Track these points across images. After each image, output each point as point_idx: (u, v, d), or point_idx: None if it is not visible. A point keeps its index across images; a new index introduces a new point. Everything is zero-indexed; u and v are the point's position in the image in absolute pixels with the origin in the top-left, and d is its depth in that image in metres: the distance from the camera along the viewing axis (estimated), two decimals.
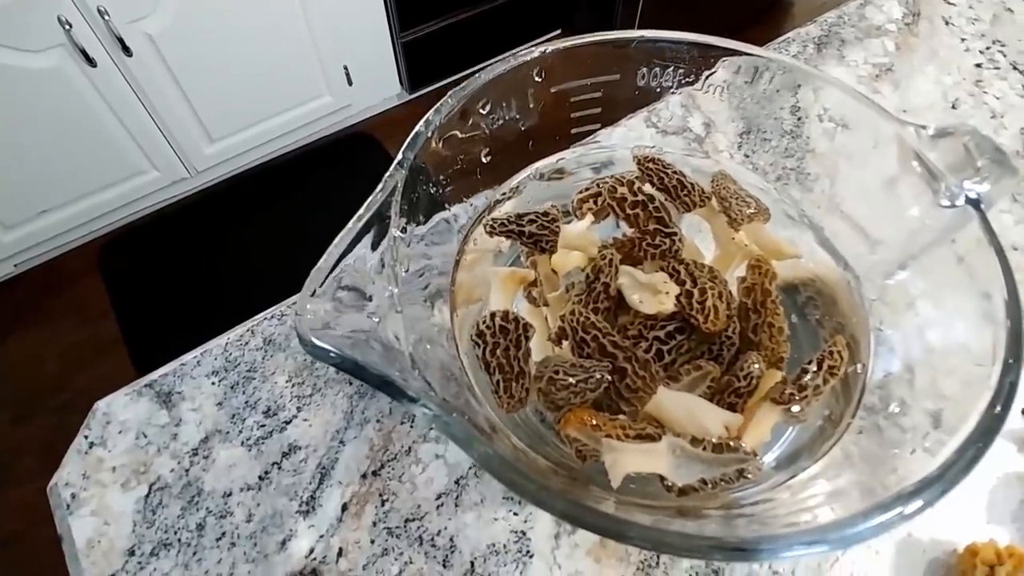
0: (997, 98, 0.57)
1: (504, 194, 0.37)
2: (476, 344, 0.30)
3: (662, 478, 0.27)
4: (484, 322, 0.30)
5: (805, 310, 0.36)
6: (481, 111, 0.33)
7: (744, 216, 0.34)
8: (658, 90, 0.37)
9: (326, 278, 0.25)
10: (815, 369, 0.29)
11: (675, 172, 0.36)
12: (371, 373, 0.24)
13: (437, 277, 0.33)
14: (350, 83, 1.60)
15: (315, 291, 0.25)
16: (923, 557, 0.34)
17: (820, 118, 0.48)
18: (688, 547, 0.20)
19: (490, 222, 0.34)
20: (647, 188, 0.35)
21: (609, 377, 0.29)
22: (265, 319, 0.42)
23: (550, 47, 0.33)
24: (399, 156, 0.28)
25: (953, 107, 0.56)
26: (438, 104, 0.30)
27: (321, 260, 0.26)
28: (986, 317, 0.28)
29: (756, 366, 0.30)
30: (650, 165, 0.36)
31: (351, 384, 0.39)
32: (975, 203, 0.28)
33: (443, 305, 0.32)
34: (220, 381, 0.39)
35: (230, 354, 0.40)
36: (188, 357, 0.40)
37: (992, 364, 0.27)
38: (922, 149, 0.29)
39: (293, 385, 0.39)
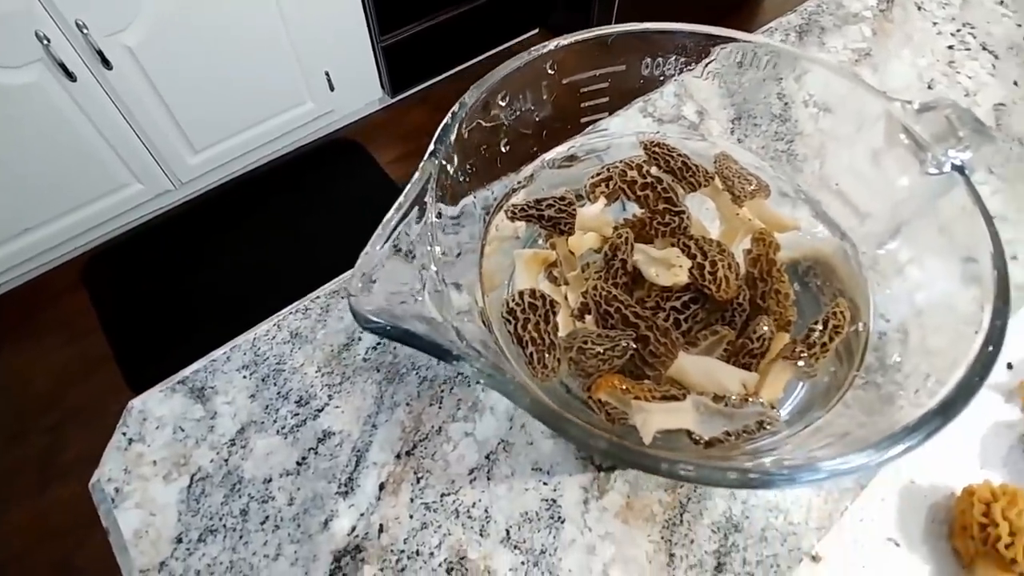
0: (969, 77, 0.61)
1: (520, 182, 0.39)
2: (507, 321, 0.32)
3: (689, 433, 0.29)
4: (514, 300, 0.32)
5: (806, 278, 0.38)
6: (500, 103, 0.35)
7: (746, 193, 0.37)
8: (661, 78, 0.39)
9: (375, 264, 0.27)
10: (821, 328, 0.32)
11: (680, 155, 0.38)
12: (424, 340, 0.25)
13: (461, 260, 0.35)
14: (332, 89, 1.60)
15: (364, 273, 0.27)
16: (924, 502, 0.37)
17: (805, 103, 0.51)
18: (719, 479, 0.22)
19: (511, 208, 0.36)
20: (654, 171, 0.38)
21: (634, 344, 0.31)
22: (290, 314, 0.43)
23: (563, 41, 0.35)
24: (431, 147, 0.30)
25: (929, 87, 0.60)
26: (463, 97, 0.32)
27: (368, 245, 0.27)
28: (969, 279, 0.31)
29: (767, 328, 0.32)
30: (656, 149, 0.38)
31: (379, 371, 0.41)
32: (960, 169, 0.30)
33: (474, 287, 0.34)
34: (251, 375, 0.41)
35: (258, 349, 0.42)
36: (218, 353, 0.42)
37: (977, 323, 0.30)
38: (909, 122, 0.32)
39: (323, 375, 0.41)
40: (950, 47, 0.63)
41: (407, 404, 0.40)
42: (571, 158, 0.41)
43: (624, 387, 0.30)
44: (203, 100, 1.41)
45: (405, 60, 1.69)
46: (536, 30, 1.94)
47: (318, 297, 0.44)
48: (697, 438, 0.29)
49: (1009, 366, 0.42)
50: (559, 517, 0.36)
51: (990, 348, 0.25)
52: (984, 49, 0.63)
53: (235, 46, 1.37)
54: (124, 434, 0.38)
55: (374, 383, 0.40)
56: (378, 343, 0.42)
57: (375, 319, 0.25)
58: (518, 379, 0.30)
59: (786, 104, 0.53)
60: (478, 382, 0.39)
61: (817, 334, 0.32)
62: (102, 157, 1.36)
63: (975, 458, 0.39)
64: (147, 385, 0.40)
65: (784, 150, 0.52)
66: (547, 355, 0.31)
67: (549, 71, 0.36)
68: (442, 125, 0.31)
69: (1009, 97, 0.60)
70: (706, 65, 0.39)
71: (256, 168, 1.66)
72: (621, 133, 0.45)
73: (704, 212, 0.40)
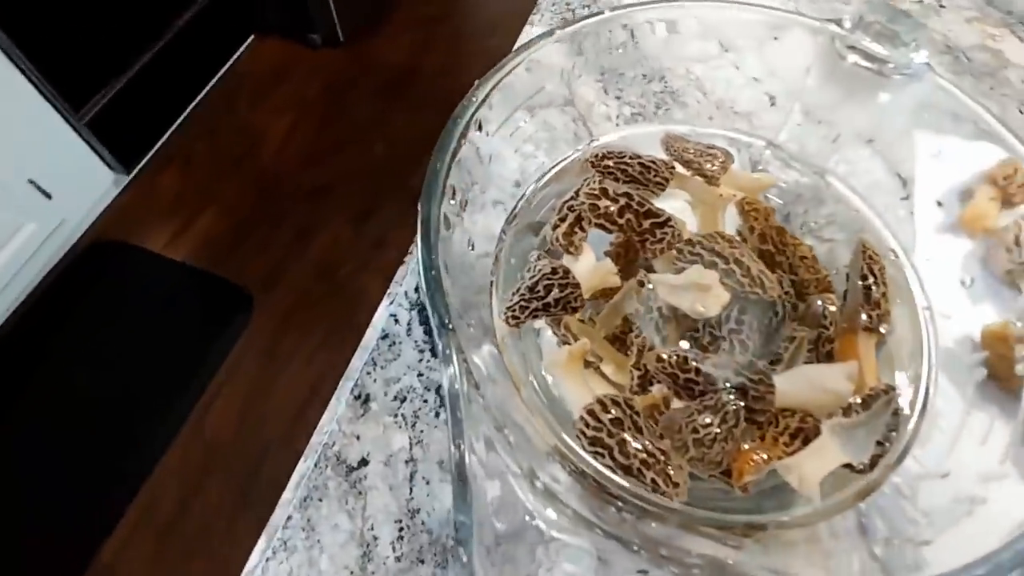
0: None
1: (491, 273, 0.31)
2: (599, 455, 0.25)
3: (850, 465, 0.26)
4: (588, 427, 0.25)
5: (801, 228, 0.36)
6: (451, 202, 0.26)
7: (717, 169, 0.33)
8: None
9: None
10: (872, 281, 0.30)
11: (632, 157, 0.32)
12: None
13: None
14: (49, 197, 1.27)
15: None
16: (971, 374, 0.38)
17: (651, 29, 0.47)
18: None
19: (508, 314, 0.28)
20: (618, 187, 0.32)
21: (741, 402, 0.26)
22: (267, 560, 0.32)
23: (480, 93, 0.27)
24: (441, 351, 0.21)
25: None
26: (421, 257, 0.23)
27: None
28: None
29: (830, 306, 0.30)
30: (607, 162, 0.32)
31: (423, 563, 0.32)
32: (926, 64, 0.29)
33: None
34: None
35: None
36: None
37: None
38: (856, 41, 0.30)
39: None
40: None
41: None
42: (519, 212, 0.34)
43: (764, 458, 0.25)
44: None
45: (121, 127, 1.39)
46: (251, 38, 1.70)
47: (289, 519, 0.33)
48: (860, 467, 0.26)
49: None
50: None
51: None
52: None
53: None
54: None
55: None
56: (401, 532, 0.33)
57: None
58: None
59: (636, 42, 0.49)
60: None
61: (873, 289, 0.30)
62: None
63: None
64: None
65: (663, 90, 0.49)
66: (669, 470, 0.25)
67: (476, 132, 0.28)
68: (427, 290, 0.22)
69: None
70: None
71: (10, 320, 1.29)
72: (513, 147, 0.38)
73: (666, 202, 0.36)
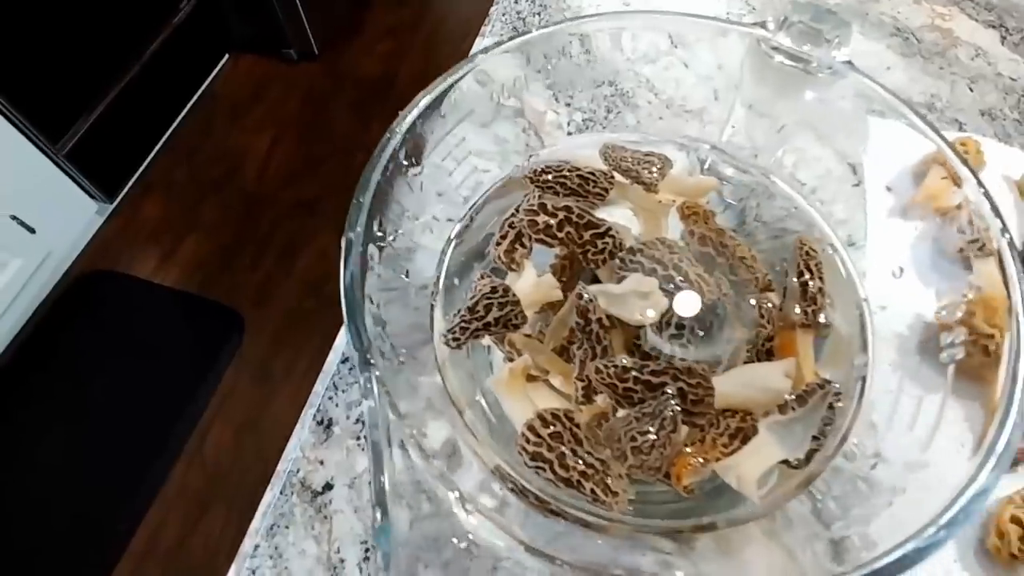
0: None
1: (432, 292, 0.31)
2: (540, 469, 0.26)
3: (786, 461, 0.26)
4: (529, 442, 0.26)
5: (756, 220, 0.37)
6: (379, 232, 0.26)
7: (655, 176, 0.33)
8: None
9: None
10: (808, 276, 0.30)
11: (571, 169, 0.33)
12: None
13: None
14: (32, 231, 1.27)
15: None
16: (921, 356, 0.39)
17: (597, 34, 0.48)
18: None
19: (448, 336, 0.29)
20: (557, 202, 0.32)
21: (678, 407, 0.27)
22: None
23: (403, 125, 0.27)
24: (348, 341, 0.21)
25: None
26: (348, 263, 0.23)
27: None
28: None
29: (767, 304, 0.30)
30: (545, 177, 0.33)
31: None
32: (848, 63, 0.30)
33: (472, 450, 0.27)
34: None
35: None
36: None
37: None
38: (780, 43, 0.30)
39: None
40: None
41: None
42: (462, 231, 0.34)
43: (702, 460, 0.26)
44: None
45: (101, 156, 1.39)
46: (225, 57, 1.70)
47: (257, 547, 0.34)
48: (795, 462, 0.26)
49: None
50: None
51: None
52: None
53: None
54: None
55: None
56: (367, 553, 0.33)
57: None
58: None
59: (587, 51, 0.50)
60: None
61: (809, 284, 0.30)
62: None
63: None
64: None
65: (614, 94, 0.49)
66: (609, 479, 0.25)
67: (404, 162, 0.28)
68: (348, 331, 0.22)
69: None
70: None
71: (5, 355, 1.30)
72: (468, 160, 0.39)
73: (611, 211, 0.36)
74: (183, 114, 1.60)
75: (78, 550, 1.14)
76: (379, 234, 0.25)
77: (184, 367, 1.34)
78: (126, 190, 1.50)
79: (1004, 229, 0.28)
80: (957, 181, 0.36)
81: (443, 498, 0.21)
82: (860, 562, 0.17)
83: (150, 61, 1.45)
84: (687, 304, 0.29)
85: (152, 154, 1.55)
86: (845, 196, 0.41)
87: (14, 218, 1.23)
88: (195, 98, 1.63)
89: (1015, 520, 0.33)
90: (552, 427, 0.26)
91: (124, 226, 1.49)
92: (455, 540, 0.20)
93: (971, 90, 0.52)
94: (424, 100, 0.28)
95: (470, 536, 0.20)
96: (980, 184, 0.30)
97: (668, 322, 0.30)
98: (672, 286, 0.30)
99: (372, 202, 0.24)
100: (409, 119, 0.27)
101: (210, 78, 1.67)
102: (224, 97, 1.68)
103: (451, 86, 0.29)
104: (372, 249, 0.24)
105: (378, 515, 0.18)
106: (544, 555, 0.20)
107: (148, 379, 1.31)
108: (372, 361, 0.20)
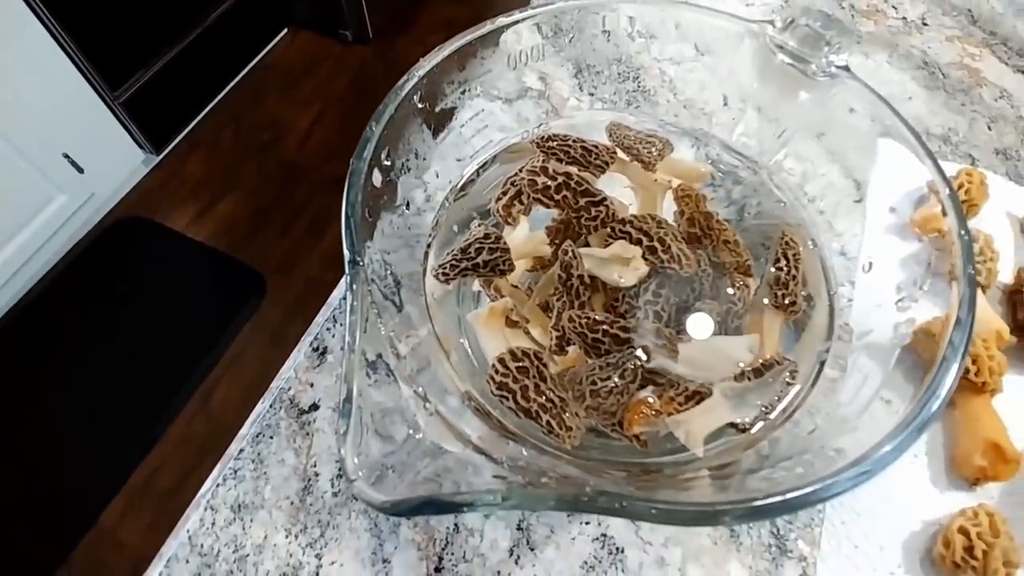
0: None
1: (429, 235, 0.34)
2: (504, 398, 0.28)
3: (734, 424, 0.28)
4: (498, 372, 0.28)
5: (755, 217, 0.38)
6: (386, 162, 0.29)
7: (654, 156, 0.35)
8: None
9: (349, 423, 0.21)
10: (784, 263, 0.32)
11: (576, 140, 0.35)
12: (447, 502, 0.21)
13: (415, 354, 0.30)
14: (80, 171, 1.34)
15: (349, 440, 0.21)
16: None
17: (630, 36, 0.50)
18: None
19: (438, 271, 0.31)
20: (559, 166, 0.35)
21: (640, 361, 0.29)
22: (217, 486, 0.35)
23: (422, 69, 0.30)
24: (347, 256, 0.24)
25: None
26: (349, 187, 0.26)
27: (339, 420, 0.21)
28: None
29: (739, 284, 0.32)
30: (551, 144, 0.35)
31: (356, 500, 0.35)
32: (844, 68, 0.31)
33: (448, 378, 0.29)
34: None
35: (201, 546, 0.33)
36: (153, 574, 0.33)
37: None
38: (784, 42, 0.32)
39: (297, 537, 0.34)
40: None
41: (408, 520, 0.34)
42: (466, 184, 0.36)
43: (654, 411, 0.28)
44: None
45: (154, 109, 1.46)
46: (284, 31, 1.77)
47: (242, 451, 0.36)
48: (743, 426, 0.28)
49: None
50: (617, 548, 0.34)
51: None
52: None
53: None
54: None
55: (359, 515, 0.34)
56: (340, 471, 0.35)
57: (397, 498, 0.20)
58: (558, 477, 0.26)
59: (615, 45, 0.52)
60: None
61: (784, 270, 0.32)
62: None
63: None
64: None
65: (635, 88, 0.51)
66: (565, 415, 0.27)
67: (419, 104, 0.31)
68: (345, 229, 0.24)
69: None
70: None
71: (36, 287, 1.36)
72: (480, 129, 0.41)
73: (613, 186, 0.38)
74: (237, 79, 1.67)
75: (79, 484, 1.19)
76: (387, 163, 0.28)
77: (203, 320, 1.38)
78: (173, 145, 1.57)
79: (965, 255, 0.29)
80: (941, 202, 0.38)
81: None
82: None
83: (213, 24, 1.52)
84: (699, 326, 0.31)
85: (202, 114, 1.61)
86: (846, 210, 0.42)
87: (66, 156, 1.30)
88: (250, 66, 1.70)
89: (962, 531, 0.34)
90: (521, 362, 0.28)
91: (166, 179, 1.55)
92: (410, 431, 0.22)
93: (989, 128, 0.53)
94: (446, 51, 0.30)
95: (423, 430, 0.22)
96: (953, 198, 0.31)
97: (647, 288, 0.32)
98: (655, 256, 0.32)
99: (384, 133, 0.27)
100: (428, 65, 0.29)
101: (267, 49, 1.74)
102: (277, 68, 1.74)
103: (471, 42, 0.31)
104: (377, 174, 0.27)
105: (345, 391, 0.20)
106: (488, 454, 0.22)
107: (167, 327, 1.36)
108: (360, 262, 0.23)
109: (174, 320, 1.38)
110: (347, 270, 0.23)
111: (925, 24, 0.59)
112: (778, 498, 0.19)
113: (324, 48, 1.80)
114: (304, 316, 1.44)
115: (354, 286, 0.22)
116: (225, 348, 1.36)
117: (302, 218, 1.53)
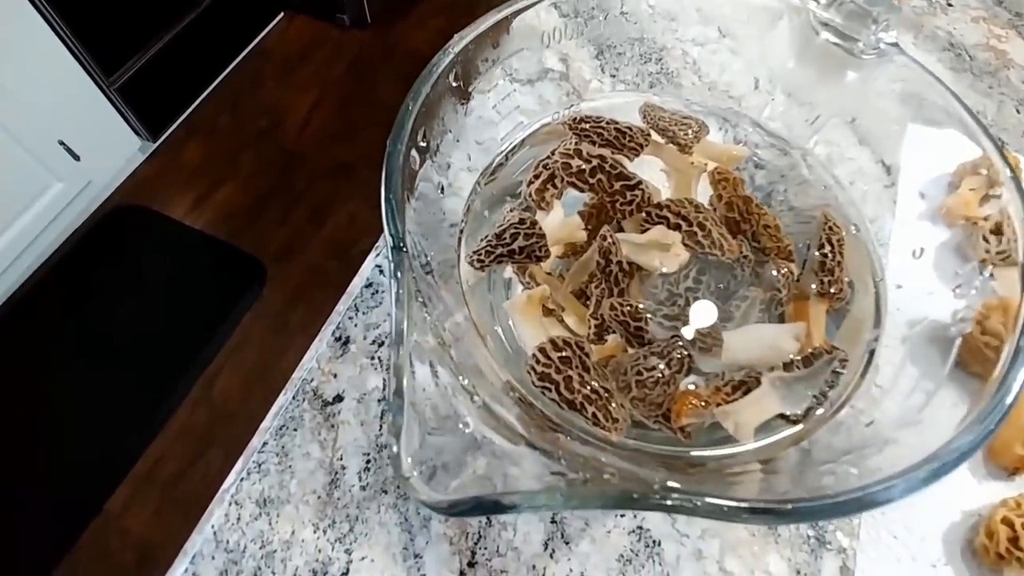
0: None
1: (461, 221, 0.33)
2: (546, 390, 0.27)
3: (784, 415, 0.27)
4: (539, 363, 0.27)
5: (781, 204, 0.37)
6: (422, 143, 0.28)
7: (691, 138, 0.34)
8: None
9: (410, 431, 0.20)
10: (828, 249, 0.31)
11: (609, 122, 0.34)
12: (505, 504, 0.20)
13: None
14: (77, 158, 1.31)
15: (403, 437, 0.20)
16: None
17: (651, 17, 0.49)
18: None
19: (473, 257, 0.30)
20: (592, 149, 0.33)
21: (686, 351, 0.28)
22: (241, 480, 0.34)
23: (457, 46, 0.29)
24: (389, 243, 0.22)
25: None
26: (387, 176, 0.24)
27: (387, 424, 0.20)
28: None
29: (783, 270, 0.31)
30: (584, 126, 0.34)
31: (386, 493, 0.34)
32: (894, 44, 0.30)
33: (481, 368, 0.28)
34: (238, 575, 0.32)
35: (227, 542, 0.33)
36: (177, 572, 0.32)
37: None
38: (829, 19, 0.31)
39: (325, 532, 0.33)
40: None
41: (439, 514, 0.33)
42: (496, 168, 0.35)
43: (703, 402, 0.27)
44: None
45: (150, 95, 1.43)
46: (281, 15, 1.74)
47: (265, 444, 0.35)
48: (794, 417, 0.27)
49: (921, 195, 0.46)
50: (654, 541, 0.33)
51: None
52: None
53: None
54: None
55: (388, 509, 0.33)
56: (368, 463, 0.35)
57: (454, 497, 0.19)
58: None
59: (635, 23, 0.50)
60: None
61: (829, 257, 0.31)
62: None
63: None
64: None
65: (658, 71, 0.50)
66: (611, 405, 0.26)
67: (453, 83, 0.29)
68: (386, 214, 0.23)
69: None
70: None
71: (33, 277, 1.34)
72: (505, 113, 0.40)
73: (643, 169, 0.37)
74: (233, 64, 1.64)
75: (83, 472, 1.18)
76: (422, 144, 0.27)
77: (203, 309, 1.37)
78: (170, 131, 1.54)
79: None
80: (995, 185, 0.37)
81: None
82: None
83: (209, 9, 1.49)
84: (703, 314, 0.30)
85: (199, 100, 1.58)
86: (876, 195, 0.41)
87: (62, 143, 1.28)
88: (247, 51, 1.67)
89: (1006, 521, 0.34)
90: (563, 352, 0.27)
91: (164, 166, 1.53)
92: (459, 425, 0.21)
93: (1018, 111, 0.52)
94: (480, 28, 0.29)
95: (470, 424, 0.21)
96: (1019, 190, 0.30)
97: (688, 275, 0.31)
98: (694, 242, 0.31)
99: (419, 113, 0.26)
100: (464, 41, 0.28)
101: (263, 33, 1.71)
102: (274, 53, 1.71)
103: (506, 18, 0.30)
104: (415, 154, 0.26)
105: (394, 383, 0.19)
106: (544, 449, 0.21)
107: (167, 316, 1.35)
108: (405, 248, 0.22)
109: (174, 309, 1.36)
110: (391, 257, 0.21)
111: (950, 5, 0.58)
112: (857, 494, 0.18)
113: (321, 32, 1.76)
114: (306, 304, 1.42)
115: (399, 273, 0.21)
116: (226, 337, 1.34)
117: (302, 205, 1.51)
